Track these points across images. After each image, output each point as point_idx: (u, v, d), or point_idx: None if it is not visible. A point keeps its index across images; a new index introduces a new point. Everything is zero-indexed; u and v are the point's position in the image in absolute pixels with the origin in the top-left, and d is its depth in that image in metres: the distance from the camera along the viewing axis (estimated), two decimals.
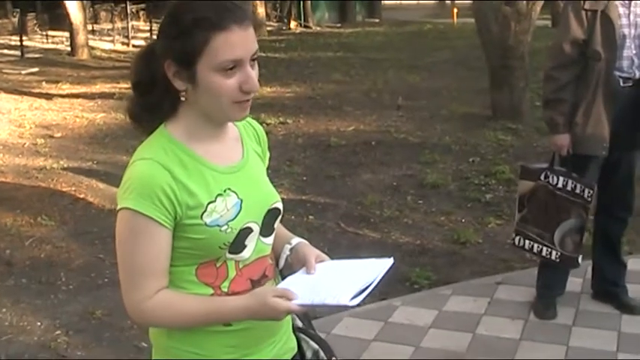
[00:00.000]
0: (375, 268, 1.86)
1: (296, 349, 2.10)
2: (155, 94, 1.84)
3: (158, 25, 1.87)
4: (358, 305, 1.75)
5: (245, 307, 1.78)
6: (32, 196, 7.28)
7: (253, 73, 1.79)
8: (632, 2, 4.10)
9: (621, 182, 4.37)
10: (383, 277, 1.82)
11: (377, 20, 34.78)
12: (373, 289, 1.79)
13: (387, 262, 1.88)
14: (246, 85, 1.77)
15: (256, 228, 1.89)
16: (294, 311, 1.78)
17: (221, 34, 1.72)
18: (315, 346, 2.15)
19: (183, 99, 1.81)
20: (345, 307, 1.76)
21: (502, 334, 4.30)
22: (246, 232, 1.86)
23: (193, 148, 1.84)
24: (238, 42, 1.74)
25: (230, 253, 1.84)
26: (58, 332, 4.56)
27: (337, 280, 1.86)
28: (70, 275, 5.39)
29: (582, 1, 4.11)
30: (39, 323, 4.68)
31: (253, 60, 1.79)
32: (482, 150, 8.75)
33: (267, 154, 2.11)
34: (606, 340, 4.18)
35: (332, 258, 2.00)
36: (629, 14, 4.09)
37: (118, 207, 1.79)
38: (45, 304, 4.95)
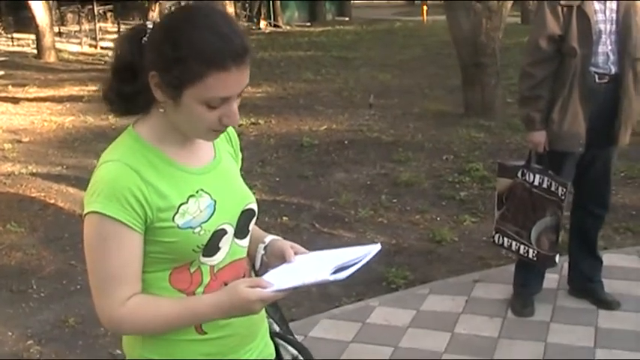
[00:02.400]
0: (361, 251, 1.81)
1: (274, 355, 2.07)
2: (132, 86, 1.76)
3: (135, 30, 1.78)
4: (343, 280, 1.68)
5: (218, 302, 1.72)
6: (0, 202, 7.16)
7: (236, 107, 1.74)
8: None
9: (597, 178, 4.38)
10: (370, 260, 1.77)
11: (347, 19, 34.79)
12: (359, 269, 1.73)
13: (374, 247, 1.83)
14: (227, 119, 1.73)
15: (230, 230, 1.85)
16: (267, 298, 1.70)
17: (217, 73, 1.66)
18: (294, 351, 2.12)
19: (161, 110, 1.76)
20: (327, 282, 1.71)
21: (480, 333, 4.29)
22: (220, 234, 1.81)
23: (163, 150, 1.79)
24: (233, 81, 1.69)
25: (204, 256, 1.80)
26: (30, 342, 4.48)
27: (318, 263, 1.82)
28: (42, 283, 5.30)
29: None
30: (10, 333, 4.60)
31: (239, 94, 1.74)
32: (455, 147, 8.76)
33: (240, 155, 2.07)
34: (584, 336, 4.19)
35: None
36: (604, 10, 4.09)
37: (85, 211, 1.73)
38: (16, 313, 4.86)
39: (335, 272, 1.71)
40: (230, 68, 1.66)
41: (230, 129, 2.00)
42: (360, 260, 1.76)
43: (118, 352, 4.24)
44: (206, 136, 1.80)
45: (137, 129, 1.81)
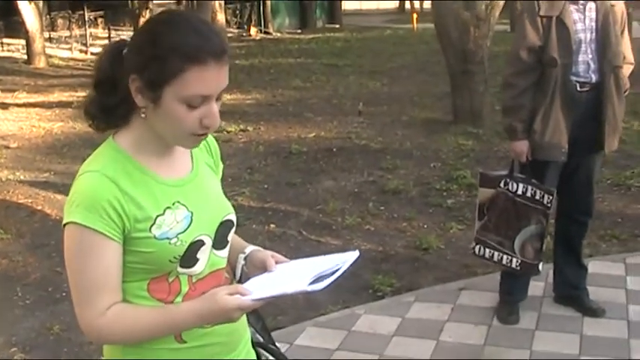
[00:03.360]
0: (340, 259, 1.83)
1: None
2: (113, 98, 1.79)
3: (131, 35, 1.81)
4: (321, 290, 1.70)
5: (196, 309, 1.73)
6: None
7: (216, 108, 1.74)
8: (587, 7, 4.13)
9: (581, 186, 4.39)
10: (348, 268, 1.79)
11: (337, 26, 34.87)
12: (337, 278, 1.74)
13: (352, 254, 1.84)
14: (207, 120, 1.73)
15: (208, 241, 1.86)
16: (246, 307, 1.71)
17: (196, 68, 1.67)
18: None
19: (143, 115, 1.77)
20: (306, 293, 1.71)
21: (466, 340, 4.29)
22: (197, 245, 1.82)
23: (141, 161, 1.81)
24: (212, 78, 1.70)
25: (181, 267, 1.80)
26: (15, 349, 4.47)
27: (297, 272, 1.83)
28: (27, 290, 5.29)
29: (537, 8, 4.13)
30: None
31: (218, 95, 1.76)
32: (443, 155, 8.78)
33: (221, 165, 2.08)
34: (569, 344, 4.20)
35: None
36: (584, 19, 4.12)
37: (65, 221, 1.75)
38: (1, 320, 4.85)
39: (313, 282, 1.72)
40: (209, 63, 1.68)
41: (210, 139, 2.01)
42: (339, 268, 1.77)
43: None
44: (187, 142, 1.81)
45: (117, 139, 1.82)
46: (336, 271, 1.76)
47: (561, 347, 4.16)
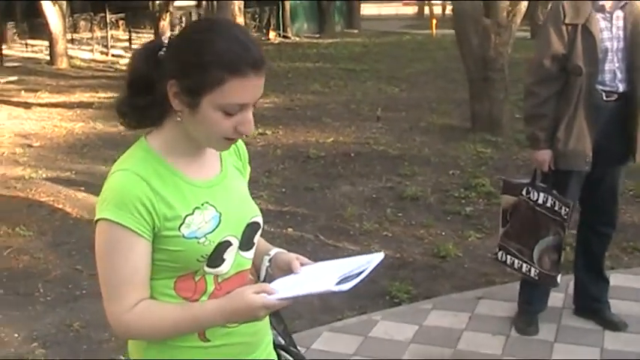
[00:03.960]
0: (364, 260, 1.83)
1: None
2: (148, 98, 1.81)
3: (169, 39, 1.82)
4: (348, 291, 1.69)
5: (221, 307, 1.75)
6: (10, 206, 7.22)
7: (251, 116, 1.78)
8: (614, 15, 4.09)
9: (605, 197, 4.35)
10: (373, 269, 1.79)
11: (356, 31, 34.83)
12: (364, 279, 1.75)
13: (377, 256, 1.85)
14: (242, 127, 1.77)
15: (235, 242, 1.88)
16: (271, 305, 1.73)
17: (237, 79, 1.71)
18: None
19: (179, 119, 1.79)
20: (332, 293, 1.72)
21: (483, 350, 4.28)
22: (224, 245, 1.84)
23: (172, 162, 1.84)
24: (250, 89, 1.74)
25: (208, 266, 1.83)
26: (35, 344, 4.51)
27: (322, 273, 1.84)
28: (48, 286, 5.33)
29: (562, 16, 4.09)
30: (16, 335, 4.63)
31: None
32: (461, 162, 8.77)
33: (248, 169, 2.10)
34: (589, 357, 4.16)
35: None
36: (611, 27, 4.08)
37: (96, 217, 1.78)
38: (22, 316, 4.89)
39: (339, 282, 1.73)
40: (249, 75, 1.72)
41: (240, 143, 2.04)
42: (365, 270, 1.77)
43: (122, 357, 4.26)
44: (219, 145, 1.84)
45: (149, 140, 1.85)
46: (362, 272, 1.77)
47: None
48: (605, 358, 4.15)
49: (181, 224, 1.78)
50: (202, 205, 1.83)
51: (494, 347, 4.30)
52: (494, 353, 4.24)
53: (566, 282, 4.62)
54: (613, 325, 4.46)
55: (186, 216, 1.79)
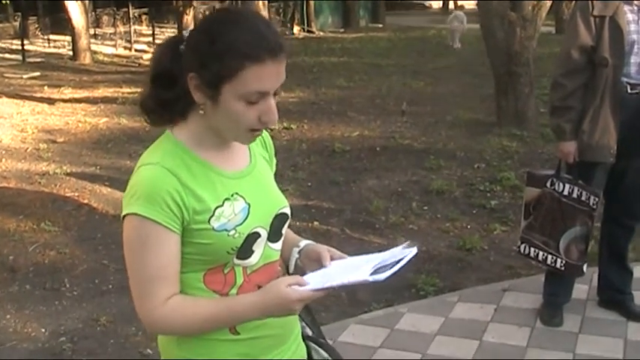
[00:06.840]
0: (398, 253, 1.81)
1: (306, 358, 2.08)
2: (172, 92, 1.80)
3: (187, 34, 1.81)
4: (383, 281, 1.68)
5: (256, 302, 1.74)
6: (35, 201, 7.26)
7: (274, 104, 1.76)
8: None
9: (629, 190, 4.34)
10: (407, 263, 1.77)
11: (380, 25, 34.78)
12: (398, 270, 1.73)
13: (410, 251, 1.82)
14: (265, 116, 1.75)
15: (264, 233, 1.87)
16: (306, 297, 1.71)
17: (254, 66, 1.69)
18: (325, 354, 2.14)
19: (201, 112, 1.79)
20: (367, 283, 1.71)
21: (509, 341, 4.28)
22: (253, 237, 1.84)
23: (200, 154, 1.82)
24: (269, 75, 1.71)
25: (238, 258, 1.82)
26: (63, 339, 4.55)
27: (355, 266, 1.83)
28: (74, 281, 5.38)
29: (591, 7, 4.08)
30: (43, 329, 4.67)
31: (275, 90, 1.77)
32: (487, 156, 8.74)
33: (274, 160, 2.10)
34: (613, 348, 4.16)
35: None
36: (638, 20, 4.06)
37: (124, 212, 1.75)
38: (49, 311, 4.94)
39: (374, 273, 1.72)
40: (265, 61, 1.69)
41: (265, 134, 2.04)
42: (398, 262, 1.75)
43: (149, 351, 4.29)
44: (245, 137, 1.82)
45: (175, 133, 1.84)
46: (397, 262, 1.75)
47: (605, 351, 4.13)
48: (629, 348, 4.15)
49: (211, 217, 1.77)
50: (232, 196, 1.82)
51: (520, 339, 4.30)
52: (520, 344, 4.24)
53: (590, 274, 4.60)
54: (637, 316, 4.47)
55: (216, 208, 1.78)
